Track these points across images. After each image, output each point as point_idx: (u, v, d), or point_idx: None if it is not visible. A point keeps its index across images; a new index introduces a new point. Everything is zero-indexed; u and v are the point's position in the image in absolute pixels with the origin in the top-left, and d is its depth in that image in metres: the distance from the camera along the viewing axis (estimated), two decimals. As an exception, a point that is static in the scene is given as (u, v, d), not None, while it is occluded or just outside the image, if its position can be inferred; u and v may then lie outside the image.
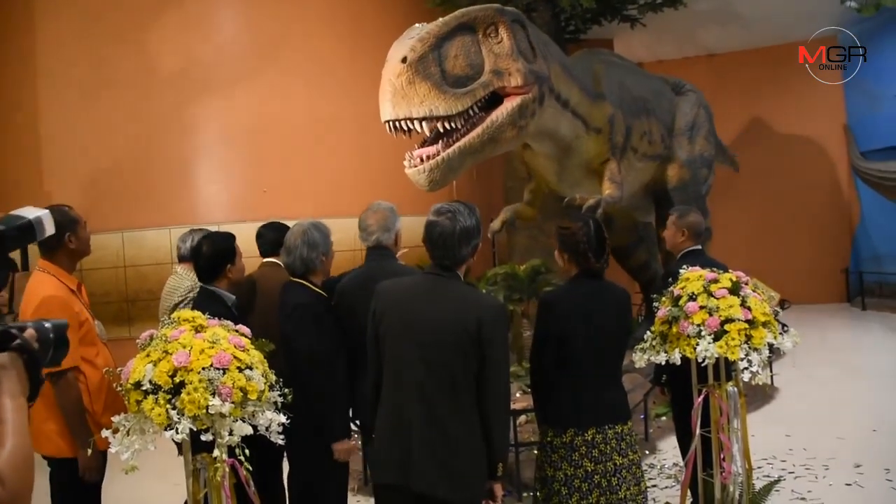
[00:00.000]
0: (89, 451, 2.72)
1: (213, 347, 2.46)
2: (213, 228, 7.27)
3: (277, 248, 3.85)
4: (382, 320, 2.60)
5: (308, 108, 8.06)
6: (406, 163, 4.35)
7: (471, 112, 4.25)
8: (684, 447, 3.86)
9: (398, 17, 8.44)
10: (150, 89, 7.74)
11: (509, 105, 4.44)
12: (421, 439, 2.47)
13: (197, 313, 2.66)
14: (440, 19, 4.24)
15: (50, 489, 3.08)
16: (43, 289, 2.97)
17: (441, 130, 4.17)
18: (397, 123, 4.09)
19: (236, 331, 2.65)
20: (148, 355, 2.46)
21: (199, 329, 2.56)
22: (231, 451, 2.49)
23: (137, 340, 2.57)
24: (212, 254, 3.33)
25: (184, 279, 4.16)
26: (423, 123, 4.09)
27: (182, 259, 4.24)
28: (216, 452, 2.44)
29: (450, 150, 4.25)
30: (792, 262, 12.58)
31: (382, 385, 2.60)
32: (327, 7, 8.29)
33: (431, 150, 4.27)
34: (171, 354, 2.41)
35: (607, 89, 5.71)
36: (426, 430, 2.48)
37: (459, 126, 4.23)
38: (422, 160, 4.28)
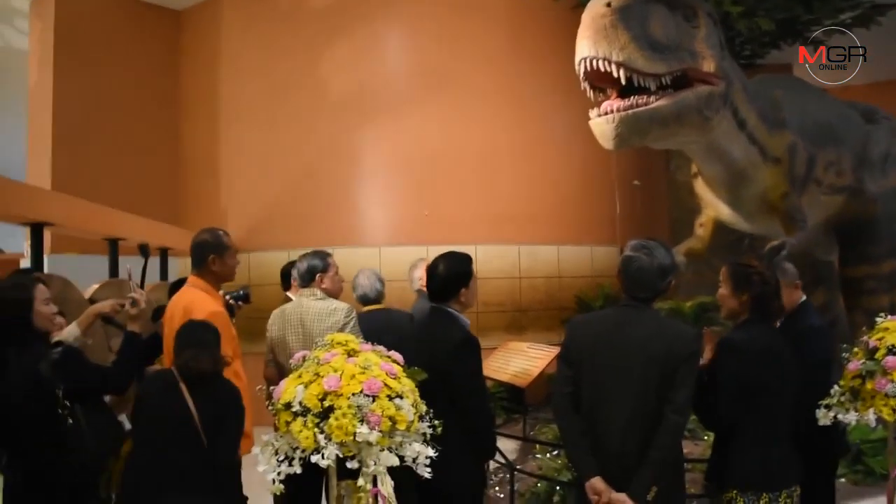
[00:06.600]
0: None
1: (364, 373, 2.42)
2: (374, 251, 7.57)
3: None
4: (575, 349, 2.63)
5: (469, 137, 8.09)
6: (592, 113, 4.22)
7: (663, 81, 4.09)
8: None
9: (557, 54, 8.33)
10: (321, 116, 8.06)
11: (700, 89, 4.28)
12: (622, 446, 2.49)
13: (350, 337, 2.63)
14: None
15: None
16: (206, 304, 3.13)
17: (636, 85, 4.02)
18: (593, 63, 3.94)
19: (389, 357, 2.60)
20: (300, 376, 2.46)
21: (351, 353, 2.53)
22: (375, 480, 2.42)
23: (291, 361, 2.59)
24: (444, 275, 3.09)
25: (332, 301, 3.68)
26: (621, 70, 3.93)
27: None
28: (361, 481, 2.39)
29: (642, 109, 4.09)
30: None
31: (582, 403, 2.58)
32: (490, 41, 8.29)
33: (623, 102, 4.10)
34: (322, 377, 2.40)
35: (788, 116, 5.30)
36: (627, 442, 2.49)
37: (653, 88, 4.08)
38: (609, 112, 4.13)
